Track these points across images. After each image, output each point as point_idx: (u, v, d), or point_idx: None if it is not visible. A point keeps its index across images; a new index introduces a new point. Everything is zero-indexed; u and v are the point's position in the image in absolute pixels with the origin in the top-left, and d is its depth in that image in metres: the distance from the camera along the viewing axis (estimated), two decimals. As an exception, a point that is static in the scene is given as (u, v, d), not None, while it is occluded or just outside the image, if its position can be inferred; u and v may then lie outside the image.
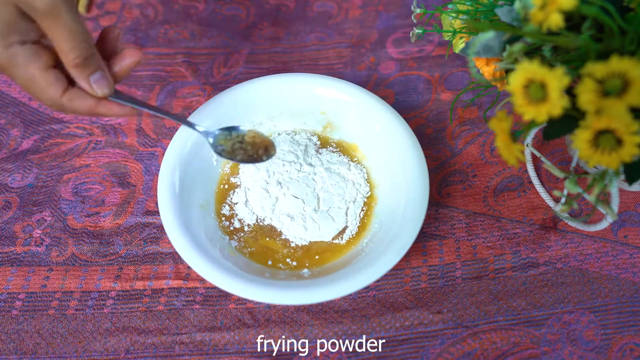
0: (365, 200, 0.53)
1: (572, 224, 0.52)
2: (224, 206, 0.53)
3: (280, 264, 0.49)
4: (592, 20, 0.36)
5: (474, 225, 0.53)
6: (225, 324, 0.48)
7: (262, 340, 0.47)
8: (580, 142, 0.32)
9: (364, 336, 0.48)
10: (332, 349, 0.47)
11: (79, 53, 0.39)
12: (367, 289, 0.50)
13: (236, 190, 0.54)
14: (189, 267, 0.51)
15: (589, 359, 0.46)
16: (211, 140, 0.48)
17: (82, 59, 0.40)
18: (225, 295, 0.50)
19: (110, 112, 0.43)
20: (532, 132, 0.56)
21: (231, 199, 0.54)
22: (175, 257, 0.52)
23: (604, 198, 0.47)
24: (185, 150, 0.52)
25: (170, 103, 0.62)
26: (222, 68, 0.66)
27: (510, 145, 0.35)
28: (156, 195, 0.54)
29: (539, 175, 0.55)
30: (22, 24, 0.38)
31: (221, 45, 0.68)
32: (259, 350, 0.47)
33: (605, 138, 0.32)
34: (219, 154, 0.48)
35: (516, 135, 0.36)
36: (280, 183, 0.53)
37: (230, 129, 0.49)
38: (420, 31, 0.50)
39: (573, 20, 0.38)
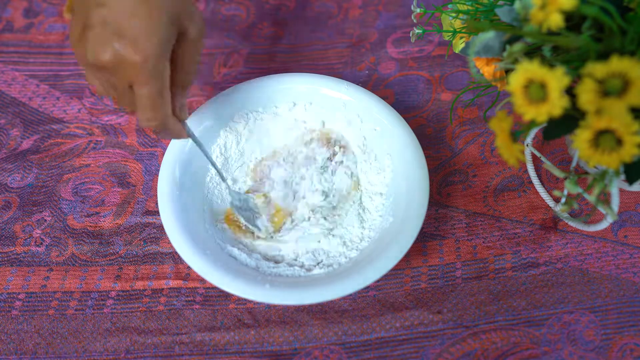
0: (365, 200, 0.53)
1: (572, 224, 0.52)
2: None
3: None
4: (592, 20, 0.36)
5: (474, 225, 0.53)
6: (225, 324, 0.48)
7: (262, 340, 0.47)
8: (580, 142, 0.32)
9: (364, 336, 0.48)
10: (332, 348, 0.47)
11: (194, 76, 0.45)
12: (367, 289, 0.50)
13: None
14: (189, 267, 0.51)
15: (589, 359, 0.46)
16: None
17: (192, 81, 0.45)
18: (225, 295, 0.50)
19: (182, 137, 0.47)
20: (532, 132, 0.56)
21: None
22: (175, 257, 0.52)
23: (604, 198, 0.47)
24: (185, 150, 0.52)
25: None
26: (222, 68, 0.66)
27: (510, 145, 0.35)
28: (156, 195, 0.54)
29: (539, 175, 0.55)
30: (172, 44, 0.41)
31: (221, 45, 0.68)
32: (259, 350, 0.47)
33: (605, 138, 0.32)
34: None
35: (516, 135, 0.36)
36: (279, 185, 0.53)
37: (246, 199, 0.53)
38: (420, 31, 0.50)
39: (573, 20, 0.37)
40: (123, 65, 0.39)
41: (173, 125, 0.44)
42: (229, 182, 0.53)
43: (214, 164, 0.51)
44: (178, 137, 0.46)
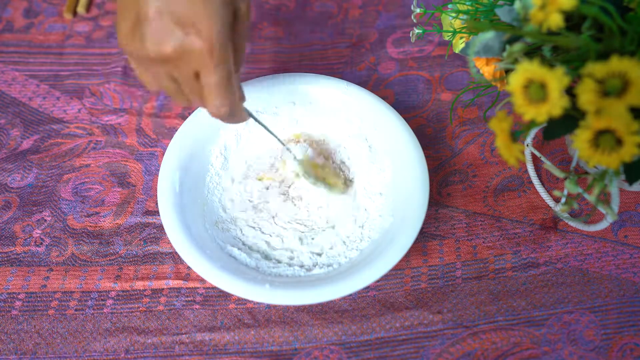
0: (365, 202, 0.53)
1: (572, 224, 0.52)
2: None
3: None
4: (592, 20, 0.36)
5: (474, 225, 0.53)
6: (225, 324, 0.48)
7: (262, 340, 0.47)
8: (580, 142, 0.32)
9: (364, 336, 0.48)
10: (332, 349, 0.47)
11: (245, 54, 0.45)
12: (367, 289, 0.50)
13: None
14: (189, 267, 0.51)
15: (589, 359, 0.46)
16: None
17: (244, 59, 0.45)
18: (225, 295, 0.50)
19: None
20: (532, 132, 0.56)
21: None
22: (175, 257, 0.52)
23: (604, 198, 0.47)
24: (185, 150, 0.52)
25: (170, 103, 0.62)
26: (222, 68, 0.66)
27: (510, 145, 0.35)
28: (156, 195, 0.54)
29: (539, 175, 0.55)
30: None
31: (221, 45, 0.68)
32: (259, 350, 0.47)
33: (605, 138, 0.32)
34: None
35: (516, 135, 0.36)
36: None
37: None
38: (420, 31, 0.50)
39: (573, 20, 0.38)
40: (188, 55, 0.37)
41: (239, 108, 0.43)
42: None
43: (279, 140, 0.51)
44: (241, 120, 0.44)
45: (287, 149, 0.53)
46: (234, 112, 0.42)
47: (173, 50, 0.37)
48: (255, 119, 0.49)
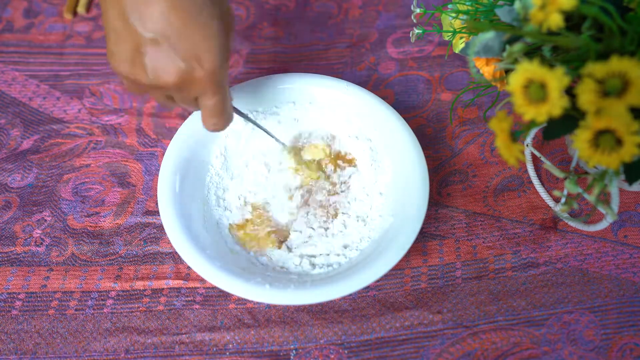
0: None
1: (572, 224, 0.52)
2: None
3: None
4: (592, 20, 0.36)
5: (474, 225, 0.53)
6: (225, 324, 0.48)
7: (262, 340, 0.47)
8: (580, 142, 0.32)
9: (364, 336, 0.48)
10: (332, 348, 0.47)
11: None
12: (367, 289, 0.50)
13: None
14: (189, 267, 0.51)
15: (589, 359, 0.46)
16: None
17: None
18: (225, 295, 0.50)
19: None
20: (532, 132, 0.56)
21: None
22: (175, 257, 0.52)
23: (604, 198, 0.47)
24: (185, 150, 0.52)
25: (170, 103, 0.62)
26: (222, 68, 0.66)
27: (510, 145, 0.35)
28: (156, 195, 0.54)
29: (539, 175, 0.55)
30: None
31: (221, 45, 0.68)
32: (259, 350, 0.47)
33: (605, 138, 0.32)
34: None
35: (516, 135, 0.36)
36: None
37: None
38: (420, 31, 0.50)
39: (573, 20, 0.38)
40: (189, 83, 0.38)
41: (232, 116, 0.44)
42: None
43: (268, 132, 0.53)
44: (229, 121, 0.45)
45: (277, 140, 0.54)
46: (229, 123, 0.44)
47: (176, 81, 0.38)
48: (247, 118, 0.49)
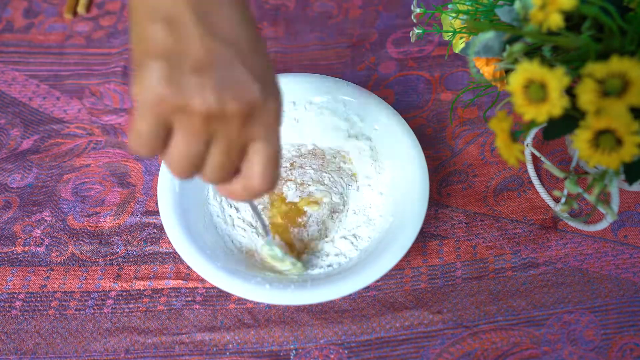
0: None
1: (572, 224, 0.52)
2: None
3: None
4: (592, 20, 0.36)
5: (474, 225, 0.53)
6: (225, 324, 0.48)
7: (262, 340, 0.47)
8: (580, 142, 0.32)
9: (364, 336, 0.48)
10: (332, 348, 0.47)
11: None
12: (367, 289, 0.50)
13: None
14: (189, 267, 0.51)
15: (589, 359, 0.46)
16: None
17: None
18: (225, 295, 0.50)
19: None
20: (532, 132, 0.56)
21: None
22: (175, 257, 0.52)
23: (604, 198, 0.47)
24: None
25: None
26: (222, 68, 0.66)
27: (510, 145, 0.35)
28: (156, 195, 0.54)
29: (539, 175, 0.55)
30: None
31: (221, 45, 0.68)
32: (259, 350, 0.47)
33: (605, 138, 0.32)
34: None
35: (516, 135, 0.36)
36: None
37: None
38: (420, 31, 0.50)
39: (573, 20, 0.38)
40: (258, 114, 0.30)
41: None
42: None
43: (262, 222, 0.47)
44: None
45: (262, 234, 0.50)
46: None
47: (245, 108, 0.29)
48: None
